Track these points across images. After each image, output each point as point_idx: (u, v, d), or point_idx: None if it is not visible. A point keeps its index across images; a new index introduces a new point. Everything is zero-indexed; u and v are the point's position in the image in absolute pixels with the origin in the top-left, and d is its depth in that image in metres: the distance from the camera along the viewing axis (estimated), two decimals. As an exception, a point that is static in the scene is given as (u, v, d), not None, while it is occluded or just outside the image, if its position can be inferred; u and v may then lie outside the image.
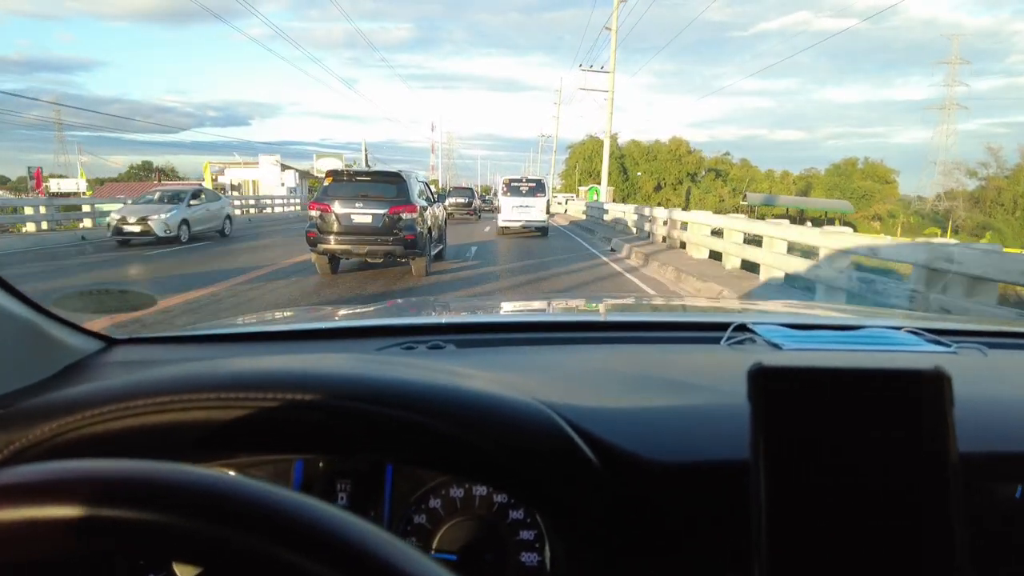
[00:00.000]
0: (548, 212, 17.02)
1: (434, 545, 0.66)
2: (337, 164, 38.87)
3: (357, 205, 8.37)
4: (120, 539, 0.33)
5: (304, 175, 43.06)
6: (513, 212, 16.38)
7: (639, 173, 55.80)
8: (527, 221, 16.38)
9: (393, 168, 9.81)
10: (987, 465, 0.59)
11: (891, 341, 0.93)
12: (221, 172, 40.69)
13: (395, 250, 8.43)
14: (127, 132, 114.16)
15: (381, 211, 8.34)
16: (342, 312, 1.62)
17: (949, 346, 0.91)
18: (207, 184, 26.85)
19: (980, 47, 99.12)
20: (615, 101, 27.40)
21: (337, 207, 8.33)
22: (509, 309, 1.69)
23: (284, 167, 42.19)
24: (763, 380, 0.46)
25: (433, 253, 9.58)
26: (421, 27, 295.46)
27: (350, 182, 8.73)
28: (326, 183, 8.77)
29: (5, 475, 0.34)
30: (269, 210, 30.34)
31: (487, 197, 45.71)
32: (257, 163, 42.24)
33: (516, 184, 16.72)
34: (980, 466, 0.58)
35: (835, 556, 0.44)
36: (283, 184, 39.97)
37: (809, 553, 0.44)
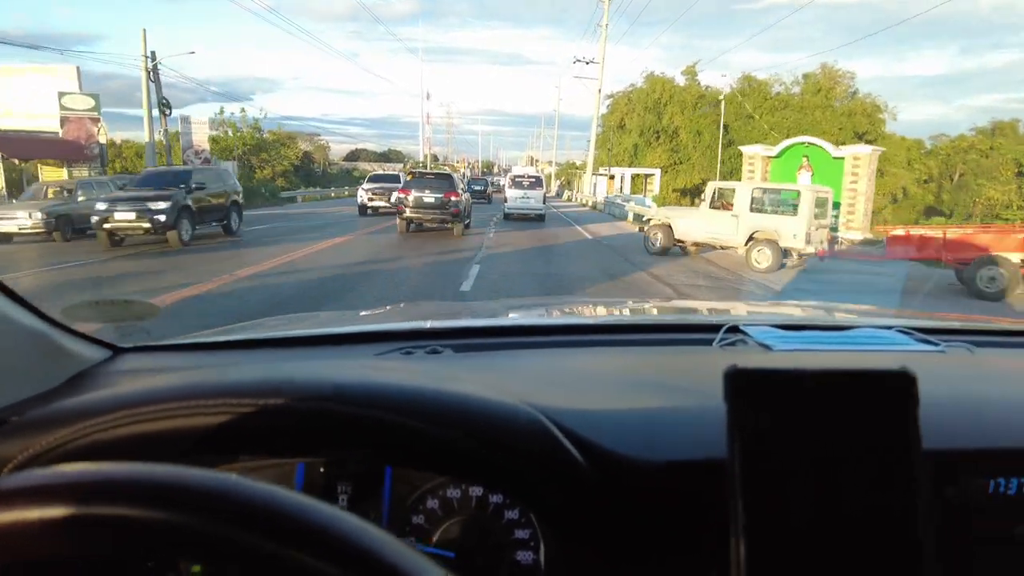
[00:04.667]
0: (545, 202, 21.76)
1: (432, 544, 0.68)
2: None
3: (426, 191, 14.29)
4: (121, 538, 0.35)
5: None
6: (517, 202, 21.26)
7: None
8: (528, 208, 21.15)
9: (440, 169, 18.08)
10: (972, 460, 0.61)
11: (881, 340, 0.96)
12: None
13: (446, 218, 14.42)
14: (128, 108, 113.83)
15: (439, 195, 14.18)
16: (343, 317, 1.70)
17: (938, 345, 0.94)
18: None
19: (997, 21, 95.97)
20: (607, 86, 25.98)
21: (414, 191, 14.30)
22: (507, 313, 1.74)
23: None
24: (737, 382, 0.48)
25: (464, 223, 15.21)
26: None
27: (421, 178, 15.15)
28: (408, 178, 15.60)
29: (14, 480, 0.36)
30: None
31: (488, 176, 46.62)
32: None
33: (519, 179, 21.74)
34: (965, 462, 0.61)
35: (810, 551, 0.46)
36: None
37: (785, 548, 0.46)
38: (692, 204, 33.63)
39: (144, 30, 22.32)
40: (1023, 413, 0.70)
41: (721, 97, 31.74)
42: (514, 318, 1.60)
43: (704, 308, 2.04)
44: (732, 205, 12.01)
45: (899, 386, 0.47)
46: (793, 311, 1.68)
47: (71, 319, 0.89)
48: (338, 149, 71.37)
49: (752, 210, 11.56)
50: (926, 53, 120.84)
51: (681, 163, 36.74)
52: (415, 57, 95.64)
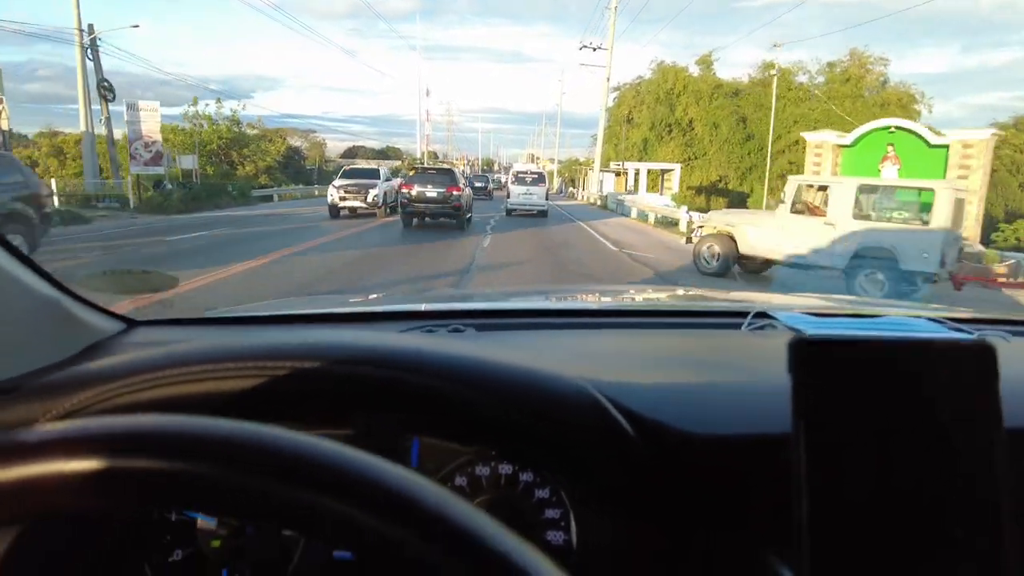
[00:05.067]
0: (547, 198, 21.26)
1: None
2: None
3: (428, 186, 14.27)
4: (146, 491, 0.33)
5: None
6: (519, 198, 20.81)
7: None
8: (530, 205, 20.70)
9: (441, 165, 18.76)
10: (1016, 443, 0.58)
11: (913, 327, 0.93)
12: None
13: (448, 212, 14.41)
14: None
15: (442, 190, 14.15)
16: (363, 298, 1.65)
17: (971, 334, 0.89)
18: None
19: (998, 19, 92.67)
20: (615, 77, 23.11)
21: (417, 187, 14.32)
22: (524, 298, 1.67)
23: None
24: (805, 350, 0.46)
25: (466, 217, 15.31)
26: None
27: (424, 173, 15.26)
28: (410, 174, 15.56)
29: (34, 433, 0.35)
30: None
31: (489, 174, 45.86)
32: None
33: (522, 175, 21.23)
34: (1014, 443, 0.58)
35: (878, 530, 0.43)
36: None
37: (852, 526, 0.43)
38: (708, 204, 30.40)
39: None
40: None
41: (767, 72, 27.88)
42: (536, 302, 1.56)
43: (728, 297, 1.99)
44: (821, 209, 8.57)
45: (980, 358, 0.45)
46: (820, 302, 1.64)
47: (87, 290, 0.88)
48: (337, 146, 69.14)
49: (857, 216, 8.11)
50: (924, 52, 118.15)
51: (696, 158, 33.38)
52: (415, 54, 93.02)
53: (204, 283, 7.31)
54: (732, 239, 9.26)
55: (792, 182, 8.84)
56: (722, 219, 9.87)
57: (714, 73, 35.14)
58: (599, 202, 30.53)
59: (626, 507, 0.57)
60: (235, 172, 35.12)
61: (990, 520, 0.43)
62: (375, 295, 1.69)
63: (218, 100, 34.56)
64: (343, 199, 17.88)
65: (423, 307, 1.22)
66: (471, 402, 0.55)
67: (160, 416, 0.36)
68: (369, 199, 17.90)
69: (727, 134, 34.73)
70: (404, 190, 14.89)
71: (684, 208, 17.98)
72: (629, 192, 29.64)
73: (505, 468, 0.67)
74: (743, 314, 0.97)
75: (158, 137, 22.46)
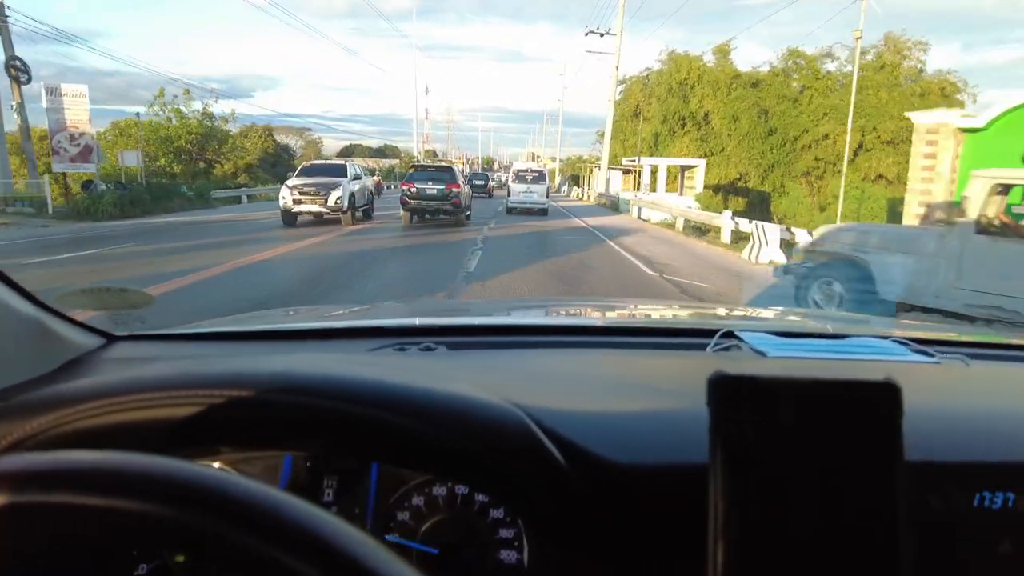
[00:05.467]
0: (547, 196, 21.06)
1: (417, 540, 0.67)
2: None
3: (429, 183, 14.91)
4: (73, 526, 0.35)
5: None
6: (520, 195, 20.61)
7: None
8: (531, 203, 20.47)
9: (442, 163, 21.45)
10: (959, 473, 0.60)
11: (876, 350, 0.93)
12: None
13: (448, 209, 15.00)
14: (128, 105, 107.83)
15: (441, 187, 14.80)
16: (338, 312, 1.65)
17: (933, 356, 0.92)
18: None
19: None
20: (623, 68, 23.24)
21: (417, 184, 14.96)
22: (503, 312, 1.72)
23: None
24: (721, 388, 0.48)
25: (465, 214, 16.01)
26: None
27: (424, 170, 15.92)
28: (411, 171, 16.10)
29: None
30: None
31: (489, 172, 45.28)
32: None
33: (523, 173, 21.01)
34: (952, 474, 0.60)
35: (788, 558, 0.46)
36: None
37: (764, 555, 0.46)
38: (726, 203, 26.77)
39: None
40: (1014, 427, 0.70)
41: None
42: (510, 317, 1.57)
43: (702, 313, 2.00)
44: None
45: (884, 396, 0.47)
46: (791, 319, 1.65)
47: (65, 306, 0.88)
48: (335, 145, 66.30)
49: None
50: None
51: (712, 154, 29.85)
52: (414, 51, 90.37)
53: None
54: (862, 269, 5.75)
55: (982, 181, 5.23)
56: (842, 238, 6.15)
57: (732, 63, 31.78)
58: (607, 202, 27.02)
59: (566, 535, 0.58)
60: (212, 171, 32.20)
61: (888, 555, 0.45)
62: (357, 308, 1.59)
63: (186, 91, 30.05)
64: (297, 202, 14.28)
65: (397, 323, 1.25)
66: (408, 429, 0.57)
67: (87, 453, 0.38)
68: (330, 202, 14.29)
69: (748, 128, 31.10)
70: (404, 187, 15.19)
71: (728, 213, 14.43)
72: (644, 191, 26.10)
73: (462, 489, 0.68)
74: (711, 333, 0.98)
75: (88, 128, 18.75)
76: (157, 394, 0.55)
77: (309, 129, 54.03)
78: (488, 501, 0.68)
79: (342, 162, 17.23)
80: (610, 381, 0.83)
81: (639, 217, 21.29)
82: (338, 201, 14.36)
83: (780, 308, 2.99)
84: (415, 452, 0.58)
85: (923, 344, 0.95)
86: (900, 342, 0.96)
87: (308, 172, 15.61)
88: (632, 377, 0.86)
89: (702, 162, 27.48)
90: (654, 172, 27.09)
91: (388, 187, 39.03)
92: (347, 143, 75.53)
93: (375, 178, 18.97)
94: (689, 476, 0.56)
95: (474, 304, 2.65)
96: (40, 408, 0.55)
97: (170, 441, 0.55)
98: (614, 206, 25.34)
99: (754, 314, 1.78)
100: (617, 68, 30.10)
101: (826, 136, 29.02)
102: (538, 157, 71.53)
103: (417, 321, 1.27)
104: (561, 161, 62.26)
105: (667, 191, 26.12)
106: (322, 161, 18.68)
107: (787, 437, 0.47)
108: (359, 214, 15.84)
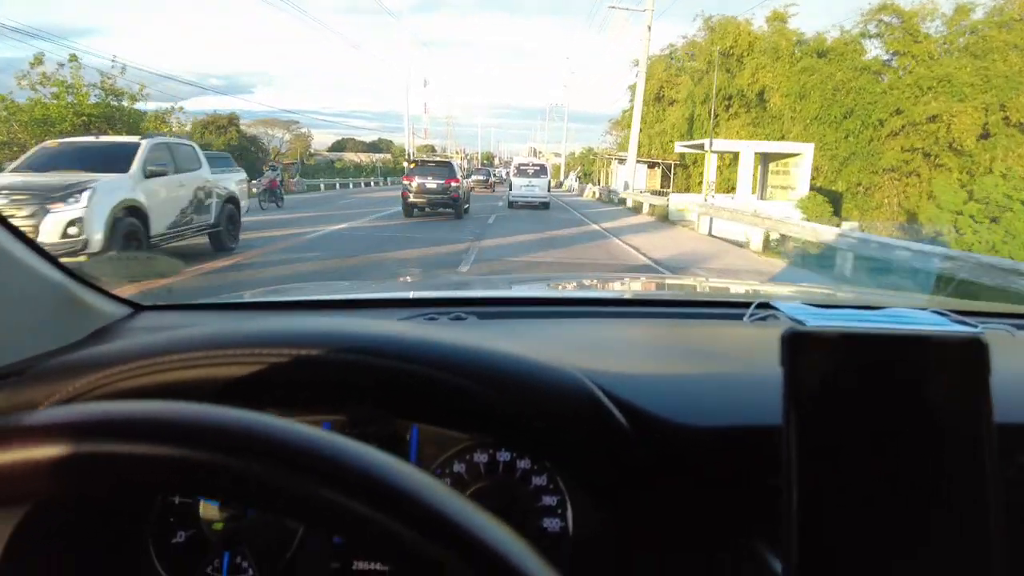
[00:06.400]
0: (549, 190, 20.83)
1: None
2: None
3: (428, 177, 15.40)
4: (124, 476, 0.34)
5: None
6: (521, 189, 20.79)
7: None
8: (532, 196, 20.43)
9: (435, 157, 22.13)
10: (1016, 437, 0.60)
11: (916, 320, 0.93)
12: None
13: (447, 202, 15.49)
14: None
15: (441, 181, 15.33)
16: (363, 286, 1.64)
17: (975, 327, 0.90)
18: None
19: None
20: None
21: (417, 179, 15.42)
22: (528, 286, 1.70)
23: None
24: (796, 344, 0.46)
25: (463, 208, 16.34)
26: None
27: (423, 165, 16.38)
28: (411, 167, 16.54)
29: (31, 418, 0.35)
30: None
31: (489, 167, 44.70)
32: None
33: (524, 167, 21.35)
34: (1010, 438, 0.59)
35: (866, 522, 0.44)
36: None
37: (839, 520, 0.44)
38: (836, 213, 19.56)
39: None
40: None
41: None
42: (539, 289, 1.54)
43: (733, 286, 1.95)
44: None
45: (972, 353, 0.45)
46: (821, 291, 1.64)
47: (94, 275, 0.88)
48: (328, 140, 63.41)
49: None
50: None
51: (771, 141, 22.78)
52: (415, 50, 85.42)
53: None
54: None
55: None
56: None
57: (792, 30, 24.77)
58: (653, 211, 19.10)
59: (620, 495, 0.58)
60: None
61: (977, 515, 0.43)
62: (379, 282, 1.62)
63: (73, 57, 16.80)
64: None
65: (425, 295, 1.23)
66: (467, 391, 0.56)
67: (159, 403, 0.36)
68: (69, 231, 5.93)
69: (818, 109, 23.81)
70: (405, 182, 15.91)
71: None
72: (709, 191, 18.66)
73: (503, 455, 0.67)
74: (746, 304, 0.97)
75: None
76: (199, 353, 0.54)
77: (296, 122, 48.11)
78: (530, 468, 0.67)
79: (136, 140, 8.34)
80: (650, 348, 0.82)
81: (710, 234, 13.79)
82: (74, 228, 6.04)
83: (812, 284, 3.23)
84: (473, 414, 0.57)
85: (963, 315, 0.93)
86: (940, 312, 0.93)
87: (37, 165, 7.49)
88: (672, 344, 0.84)
89: (808, 147, 20.03)
90: (728, 161, 19.74)
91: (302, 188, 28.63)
92: (339, 137, 68.80)
93: (274, 175, 17.71)
94: (755, 438, 0.55)
95: (495, 279, 2.66)
96: (78, 370, 0.54)
97: (212, 402, 0.50)
98: (664, 216, 17.27)
99: (785, 289, 1.73)
100: (649, 28, 22.97)
101: (933, 118, 21.42)
102: (540, 153, 69.09)
103: (444, 292, 1.25)
104: (567, 156, 55.46)
105: (752, 192, 18.78)
106: (79, 140, 8.62)
107: (864, 394, 0.45)
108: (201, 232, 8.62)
